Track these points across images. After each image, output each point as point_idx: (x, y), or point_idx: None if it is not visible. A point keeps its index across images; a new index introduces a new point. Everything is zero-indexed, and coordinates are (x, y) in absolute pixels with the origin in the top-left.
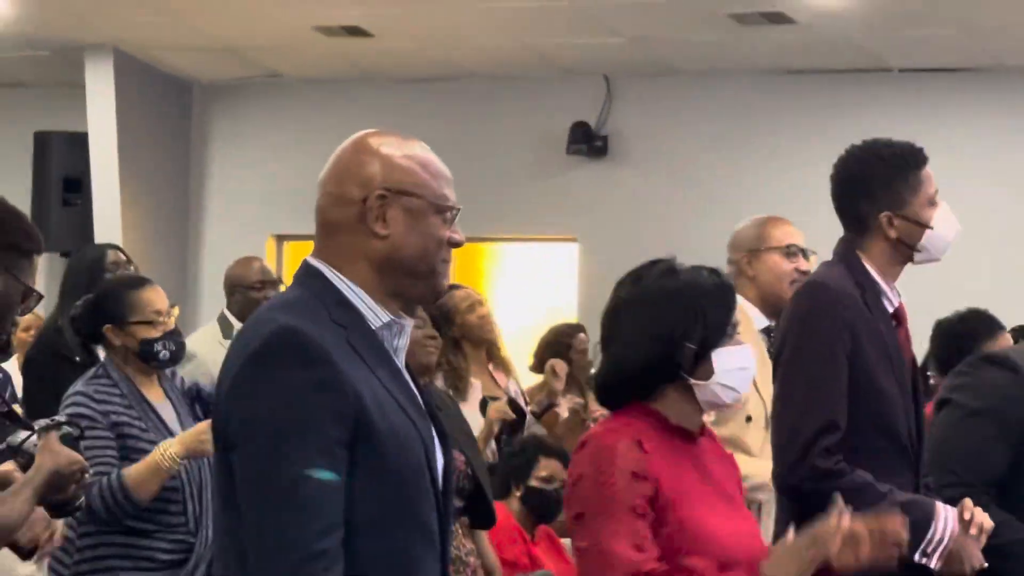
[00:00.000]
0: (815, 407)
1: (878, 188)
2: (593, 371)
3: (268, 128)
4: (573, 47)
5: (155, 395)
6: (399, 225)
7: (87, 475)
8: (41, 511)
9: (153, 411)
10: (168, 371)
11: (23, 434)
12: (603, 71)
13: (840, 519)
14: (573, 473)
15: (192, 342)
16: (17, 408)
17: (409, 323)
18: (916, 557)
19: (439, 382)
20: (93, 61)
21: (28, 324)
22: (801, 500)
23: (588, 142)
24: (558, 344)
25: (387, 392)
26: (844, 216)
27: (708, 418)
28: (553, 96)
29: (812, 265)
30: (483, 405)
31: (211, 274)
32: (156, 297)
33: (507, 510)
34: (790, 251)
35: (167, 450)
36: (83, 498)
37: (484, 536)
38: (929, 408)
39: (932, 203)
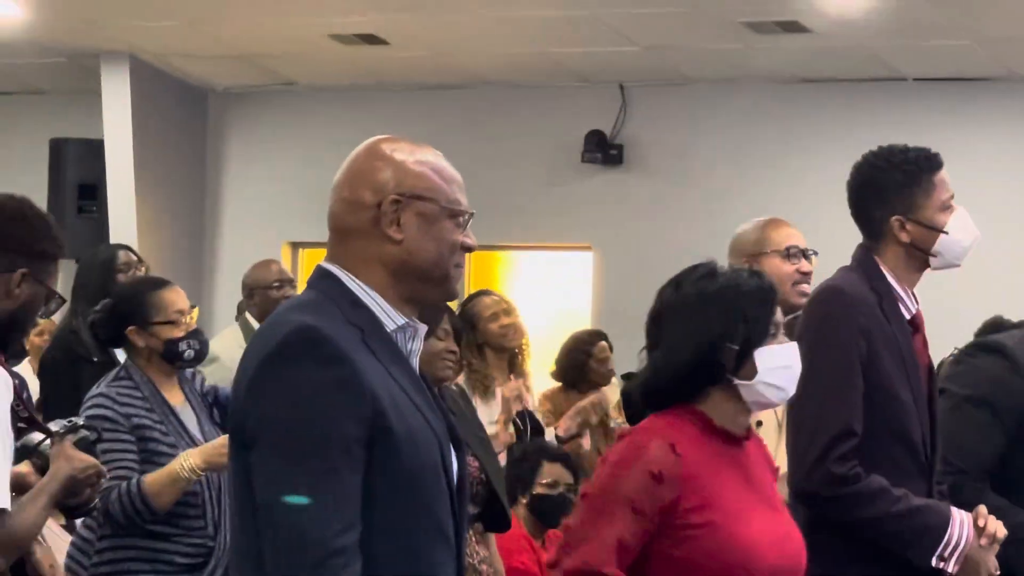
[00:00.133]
0: (831, 414)
1: (890, 192)
2: (620, 375)
3: (283, 136)
4: (588, 56)
5: (176, 398)
6: (413, 230)
7: (103, 479)
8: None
9: (174, 415)
10: (189, 372)
11: (36, 435)
12: (618, 80)
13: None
14: (603, 458)
15: (213, 345)
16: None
17: (423, 327)
18: (933, 562)
19: (462, 381)
20: (109, 68)
21: (41, 328)
22: (817, 506)
23: (603, 150)
24: (578, 352)
25: (403, 393)
26: (859, 222)
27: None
28: (568, 104)
29: (813, 266)
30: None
31: (226, 281)
32: (177, 297)
33: (515, 518)
34: (790, 253)
35: (187, 461)
36: (97, 500)
37: (493, 541)
38: None
39: (947, 208)
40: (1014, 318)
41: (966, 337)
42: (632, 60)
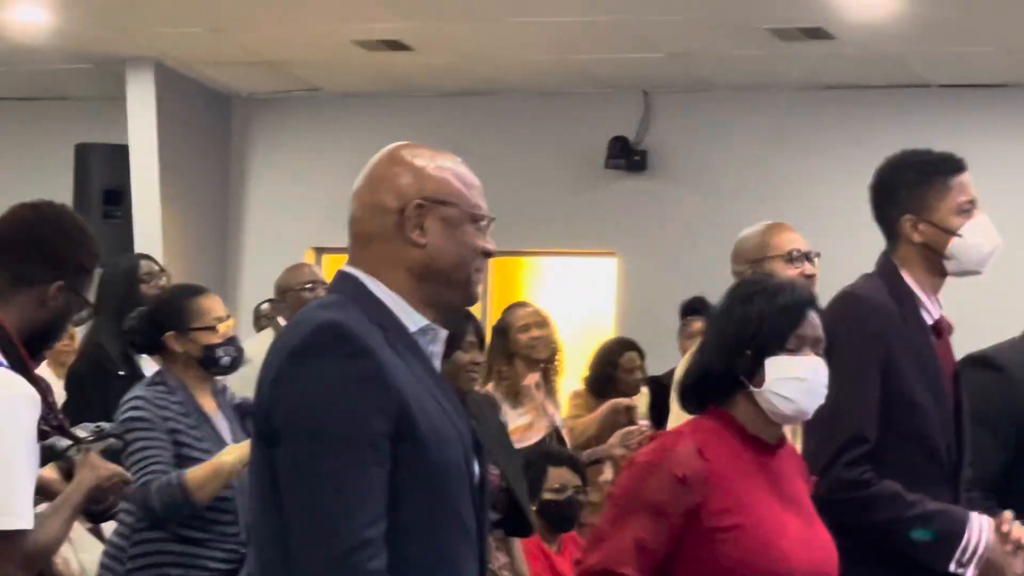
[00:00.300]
0: (843, 419)
1: (902, 192)
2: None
3: (307, 141)
4: (612, 62)
5: (210, 406)
6: (436, 234)
7: (128, 486)
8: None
9: (208, 421)
10: (220, 385)
11: (64, 440)
12: (642, 86)
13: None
14: (631, 459)
15: (248, 348)
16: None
17: (443, 332)
18: (951, 567)
19: (492, 388)
20: (134, 74)
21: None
22: (828, 511)
23: (627, 157)
24: (605, 363)
25: (427, 392)
26: (879, 224)
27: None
28: (592, 111)
29: (816, 268)
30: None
31: (251, 286)
32: (216, 304)
33: None
34: (793, 257)
35: (230, 455)
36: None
37: (517, 545)
38: None
39: (963, 211)
40: None
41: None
42: (656, 66)
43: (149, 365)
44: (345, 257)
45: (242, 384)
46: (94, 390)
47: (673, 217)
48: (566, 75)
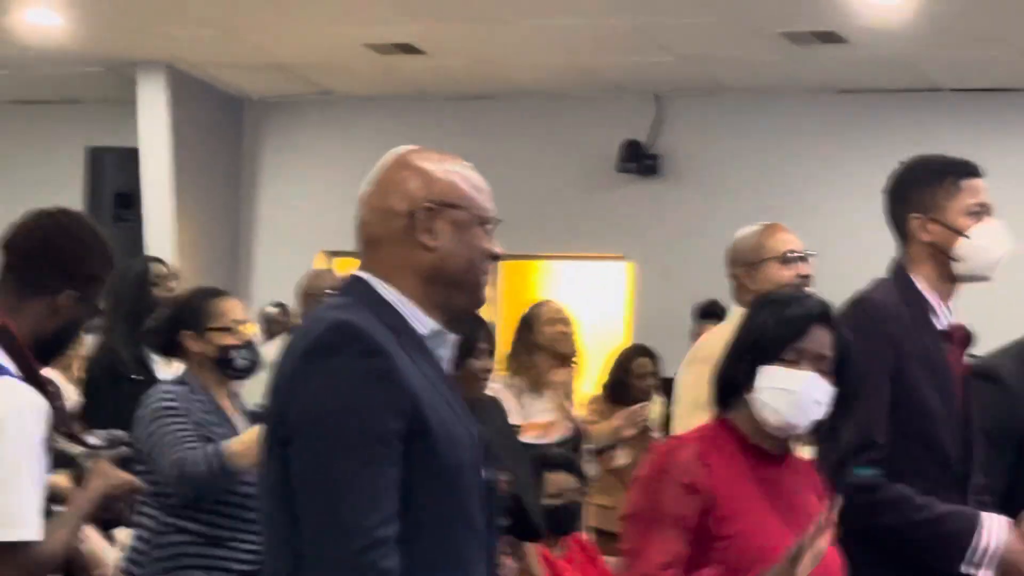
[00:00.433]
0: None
1: (911, 190)
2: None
3: (319, 145)
4: (624, 65)
5: (227, 408)
6: (446, 237)
7: (138, 494)
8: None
9: (228, 421)
10: (233, 389)
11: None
12: (654, 89)
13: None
14: (636, 474)
15: (266, 352)
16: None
17: (452, 336)
18: (963, 568)
19: (517, 380)
20: (146, 77)
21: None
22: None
23: (638, 160)
24: (618, 368)
25: (439, 393)
26: (891, 227)
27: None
28: (604, 114)
29: (812, 267)
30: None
31: (263, 289)
32: (234, 307)
33: None
34: (787, 258)
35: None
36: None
37: (532, 550)
38: None
39: (973, 213)
40: None
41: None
42: (668, 70)
43: (163, 369)
44: (358, 261)
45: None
46: (108, 394)
47: (685, 221)
48: (578, 79)
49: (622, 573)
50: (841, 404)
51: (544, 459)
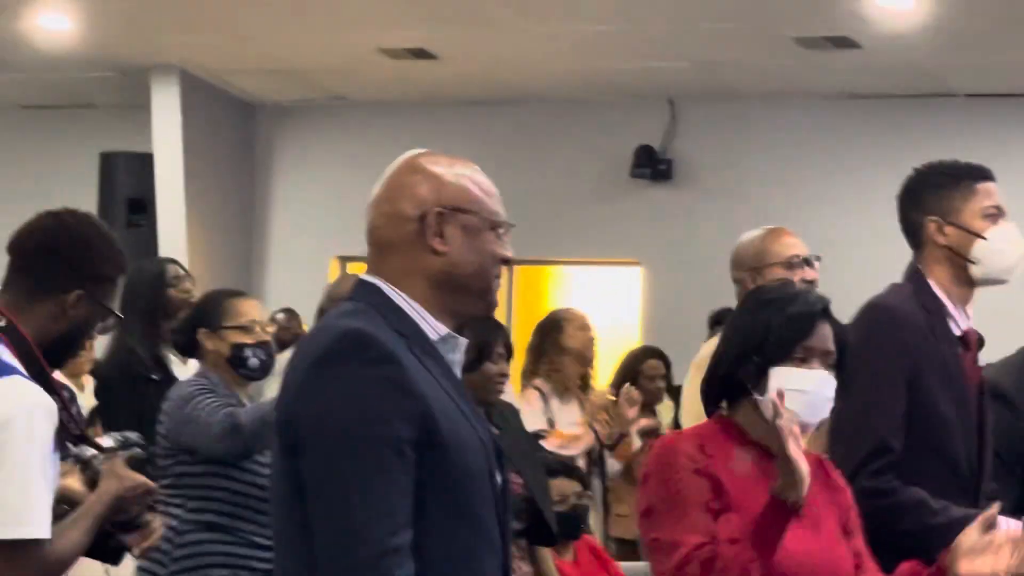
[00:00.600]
0: (867, 430)
1: (927, 194)
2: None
3: (332, 150)
4: (638, 71)
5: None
6: (457, 242)
7: (151, 496)
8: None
9: None
10: (250, 394)
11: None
12: (668, 95)
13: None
14: (641, 473)
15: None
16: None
17: (463, 341)
18: None
19: (543, 383)
20: (159, 82)
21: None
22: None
23: (652, 165)
24: (628, 369)
25: (450, 399)
26: (905, 233)
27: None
28: (617, 120)
29: (817, 271)
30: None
31: (276, 294)
32: (252, 308)
33: None
34: (792, 263)
35: None
36: (147, 520)
37: (547, 555)
38: None
39: (988, 216)
40: None
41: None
42: (682, 75)
43: (180, 369)
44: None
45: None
46: (125, 394)
47: (698, 226)
48: (591, 84)
49: (661, 561)
50: (839, 397)
51: (544, 467)
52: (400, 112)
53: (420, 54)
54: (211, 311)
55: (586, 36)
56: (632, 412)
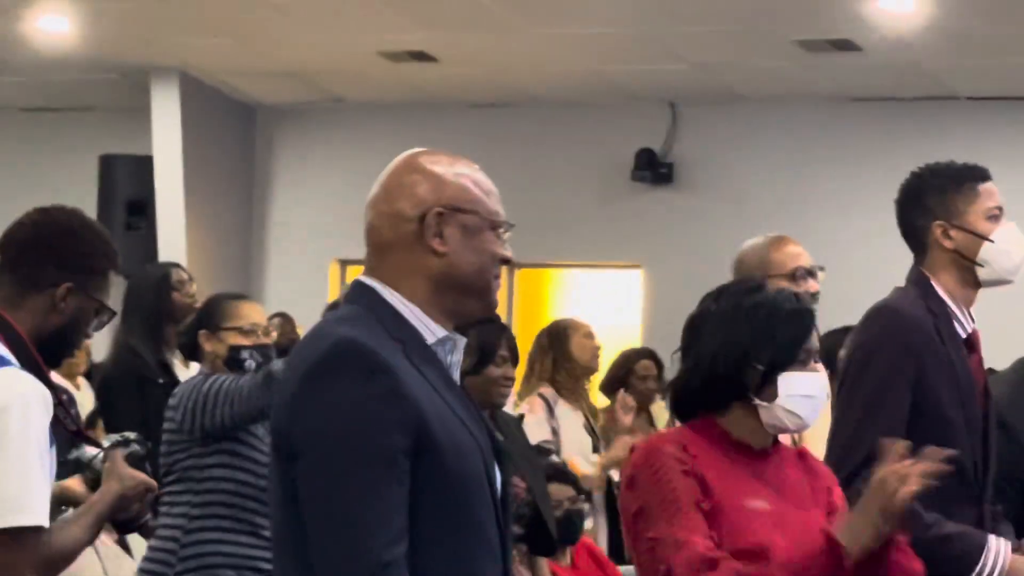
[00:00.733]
0: (867, 432)
1: (931, 199)
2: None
3: (332, 152)
4: (638, 73)
5: None
6: (456, 242)
7: (152, 493)
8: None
9: None
10: None
11: (90, 450)
12: (668, 98)
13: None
14: (625, 475)
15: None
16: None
17: (462, 340)
18: None
19: (547, 390)
20: (159, 85)
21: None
22: None
23: (653, 169)
24: (621, 368)
25: (447, 405)
26: (907, 237)
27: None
28: (618, 123)
29: (821, 281)
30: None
31: (275, 297)
32: (253, 311)
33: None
34: (796, 275)
35: None
36: (148, 516)
37: (544, 565)
38: None
39: (992, 217)
40: None
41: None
42: (683, 78)
43: (183, 374)
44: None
45: None
46: (130, 397)
47: (699, 229)
48: (592, 87)
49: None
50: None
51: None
52: (400, 115)
53: (420, 57)
54: (211, 313)
55: (587, 39)
56: (628, 419)
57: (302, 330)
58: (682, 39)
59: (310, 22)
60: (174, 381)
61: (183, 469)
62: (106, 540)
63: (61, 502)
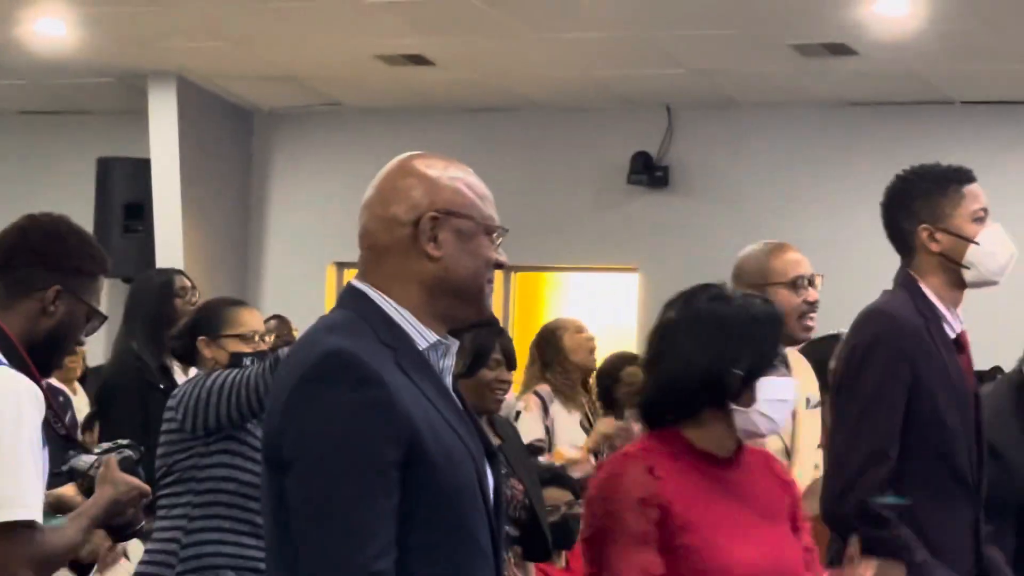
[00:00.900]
0: (864, 437)
1: (916, 203)
2: None
3: (329, 156)
4: (635, 78)
5: None
6: (451, 247)
7: (146, 499)
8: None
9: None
10: None
11: (85, 459)
12: (665, 102)
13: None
14: (587, 494)
15: None
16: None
17: (455, 344)
18: None
19: (544, 388)
20: (156, 88)
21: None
22: (844, 530)
23: (649, 172)
24: (606, 376)
25: (437, 411)
26: (893, 240)
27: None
28: (614, 126)
29: (819, 288)
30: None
31: (272, 300)
32: (253, 318)
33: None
34: (797, 284)
35: None
36: (143, 523)
37: (532, 570)
38: None
39: (977, 219)
40: None
41: (1007, 360)
42: (679, 82)
43: (182, 379)
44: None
45: None
46: (131, 401)
47: (695, 233)
48: (589, 91)
49: None
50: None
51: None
52: (397, 119)
53: (417, 61)
54: (211, 319)
55: (583, 43)
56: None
57: (298, 333)
58: (678, 44)
59: (307, 26)
60: (174, 386)
61: (183, 469)
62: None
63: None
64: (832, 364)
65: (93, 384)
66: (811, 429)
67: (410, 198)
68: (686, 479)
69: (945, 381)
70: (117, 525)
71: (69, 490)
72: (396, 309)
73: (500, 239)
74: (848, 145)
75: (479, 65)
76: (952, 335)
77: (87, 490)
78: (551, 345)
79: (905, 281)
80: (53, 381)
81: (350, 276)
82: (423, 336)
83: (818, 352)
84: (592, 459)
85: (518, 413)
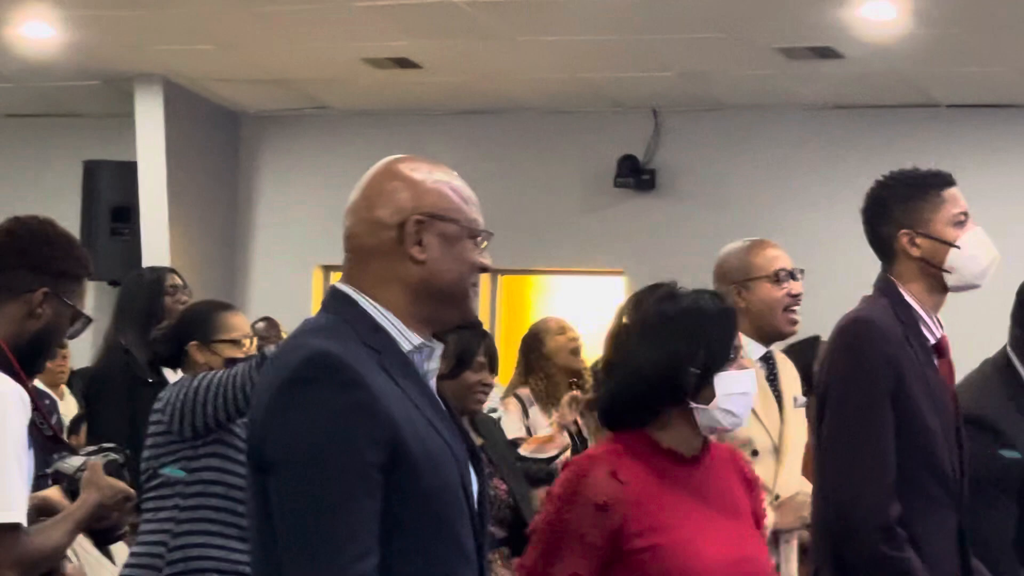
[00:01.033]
0: (865, 447)
1: (896, 207)
2: None
3: (316, 159)
4: (621, 81)
5: None
6: (436, 250)
7: (131, 503)
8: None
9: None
10: None
11: (72, 461)
12: (651, 105)
13: None
14: (550, 490)
15: None
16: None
17: (439, 347)
18: None
19: (524, 391)
20: (143, 91)
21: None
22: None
23: (636, 175)
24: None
25: (421, 415)
26: (873, 245)
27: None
28: (601, 129)
29: (801, 284)
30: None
31: (258, 303)
32: (243, 322)
33: None
34: (779, 277)
35: None
36: (127, 527)
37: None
38: None
39: (958, 223)
40: None
41: None
42: (665, 85)
43: (173, 376)
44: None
45: None
46: (119, 396)
47: (682, 236)
48: (575, 94)
49: None
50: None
51: (526, 476)
52: (384, 121)
53: (404, 63)
54: (202, 324)
55: (570, 46)
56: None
57: (286, 335)
58: (665, 47)
59: (294, 29)
60: (163, 381)
61: (181, 471)
62: (85, 544)
63: (41, 512)
64: (816, 367)
65: (79, 387)
66: (798, 428)
67: (395, 201)
68: (651, 480)
69: (925, 387)
70: (102, 529)
71: (54, 493)
72: (380, 312)
73: (485, 243)
74: (834, 148)
75: (466, 68)
76: (932, 341)
77: (72, 493)
78: (533, 350)
79: (885, 286)
80: (38, 384)
81: (337, 279)
82: (407, 339)
83: (802, 357)
84: (564, 433)
85: (498, 417)
